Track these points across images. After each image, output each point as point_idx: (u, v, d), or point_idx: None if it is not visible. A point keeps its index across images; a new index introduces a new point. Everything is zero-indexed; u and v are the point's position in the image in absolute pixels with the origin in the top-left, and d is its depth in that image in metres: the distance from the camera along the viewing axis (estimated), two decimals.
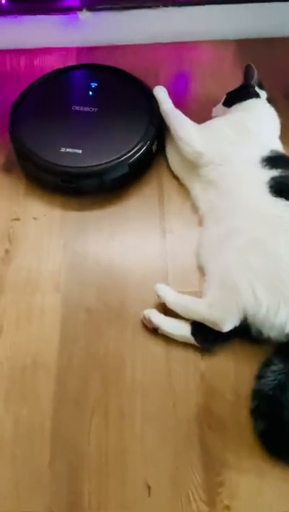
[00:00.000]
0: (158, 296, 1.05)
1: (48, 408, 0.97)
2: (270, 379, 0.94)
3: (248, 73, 1.22)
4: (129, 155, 1.19)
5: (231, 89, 1.37)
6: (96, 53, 1.47)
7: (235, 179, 1.09)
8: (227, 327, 0.98)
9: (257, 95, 1.21)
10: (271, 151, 1.11)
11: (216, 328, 0.98)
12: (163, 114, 1.25)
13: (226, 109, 1.24)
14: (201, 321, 1.00)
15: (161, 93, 1.28)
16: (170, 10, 1.41)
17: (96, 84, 1.31)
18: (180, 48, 1.47)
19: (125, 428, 0.95)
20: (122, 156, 1.18)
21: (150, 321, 1.03)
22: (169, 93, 1.37)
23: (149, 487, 0.89)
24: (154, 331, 1.04)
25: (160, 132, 1.26)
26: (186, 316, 1.02)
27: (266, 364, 0.98)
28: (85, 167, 1.17)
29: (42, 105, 1.28)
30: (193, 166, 1.18)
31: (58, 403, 0.97)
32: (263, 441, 0.92)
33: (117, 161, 1.18)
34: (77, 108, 1.26)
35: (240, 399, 0.97)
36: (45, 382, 0.99)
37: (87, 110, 1.25)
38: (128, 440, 0.94)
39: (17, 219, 1.20)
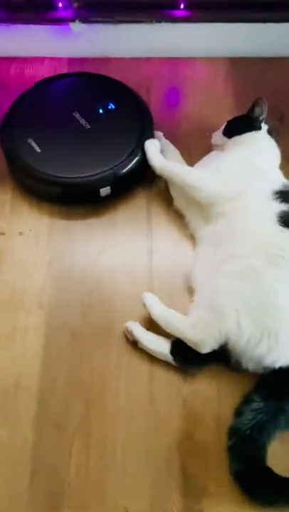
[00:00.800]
0: (144, 305, 1.04)
1: (29, 431, 0.96)
2: (249, 417, 0.94)
3: (257, 107, 1.18)
4: (118, 166, 1.18)
5: (223, 107, 1.39)
6: (88, 65, 1.45)
7: (245, 210, 1.08)
8: (206, 349, 0.98)
9: (259, 128, 1.20)
10: (283, 185, 1.10)
11: (195, 349, 0.98)
12: (157, 171, 1.20)
13: (225, 138, 1.22)
14: (182, 338, 1.00)
15: (152, 148, 1.21)
16: (164, 25, 1.40)
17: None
18: (173, 64, 1.47)
19: (106, 454, 0.95)
20: (110, 168, 1.18)
21: (131, 334, 1.03)
22: (160, 108, 1.37)
23: None
24: (134, 343, 1.04)
25: None
26: (168, 331, 1.02)
27: (246, 400, 0.97)
28: (74, 177, 1.17)
29: (34, 114, 1.27)
30: (201, 204, 1.15)
31: (39, 426, 0.96)
32: (237, 482, 0.91)
33: (106, 172, 1.17)
34: (69, 117, 1.25)
35: (222, 425, 0.97)
36: (26, 404, 0.98)
37: (80, 121, 1.25)
38: (109, 466, 0.94)
39: (2, 233, 1.18)
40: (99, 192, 1.19)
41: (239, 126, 1.21)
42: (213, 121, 1.33)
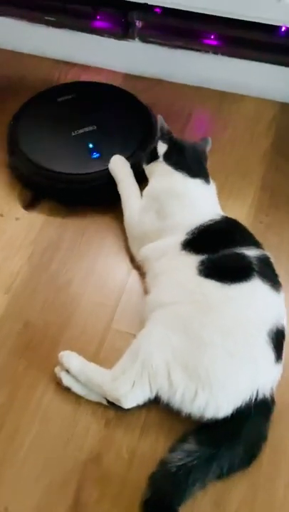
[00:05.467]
0: (61, 363, 0.97)
1: None
2: (179, 456, 0.87)
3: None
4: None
5: (257, 150, 1.35)
6: (140, 83, 1.48)
7: (166, 264, 1.02)
8: (129, 404, 0.92)
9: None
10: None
11: (117, 404, 0.92)
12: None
13: None
14: (102, 395, 0.94)
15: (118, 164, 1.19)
16: (219, 58, 1.40)
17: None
18: (221, 97, 1.45)
19: (11, 445, 0.93)
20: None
21: (60, 379, 0.97)
22: (194, 137, 1.36)
23: None
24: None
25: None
26: (89, 389, 0.95)
27: (182, 439, 0.91)
28: (74, 174, 1.20)
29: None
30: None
31: None
32: (142, 509, 0.85)
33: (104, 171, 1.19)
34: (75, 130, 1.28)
35: (136, 460, 0.92)
36: None
37: (86, 127, 1.28)
38: (8, 460, 0.91)
39: (0, 215, 1.23)
40: (99, 190, 1.20)
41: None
42: (241, 162, 1.31)
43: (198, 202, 1.07)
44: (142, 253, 1.08)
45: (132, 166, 1.19)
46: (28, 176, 1.24)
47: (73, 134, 1.27)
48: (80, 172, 1.20)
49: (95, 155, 1.23)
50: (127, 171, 1.18)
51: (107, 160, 1.20)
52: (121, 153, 1.21)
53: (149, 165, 1.13)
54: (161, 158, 1.10)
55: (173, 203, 1.06)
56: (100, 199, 1.23)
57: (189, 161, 1.10)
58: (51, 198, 1.24)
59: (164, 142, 1.11)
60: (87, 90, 1.38)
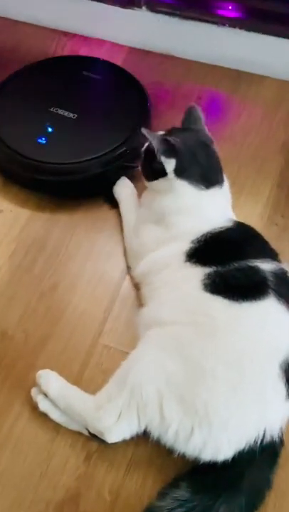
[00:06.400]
0: (38, 385, 0.85)
1: None
2: (168, 507, 0.74)
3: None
4: (105, 155, 1.05)
5: (274, 141, 1.19)
6: (148, 58, 1.32)
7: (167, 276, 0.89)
8: (114, 439, 0.79)
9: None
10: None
11: (100, 437, 0.80)
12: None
13: None
14: (83, 425, 0.81)
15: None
16: (238, 32, 1.23)
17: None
18: (237, 77, 1.29)
19: None
20: (97, 156, 1.05)
21: (36, 403, 0.84)
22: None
23: None
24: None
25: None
26: (68, 416, 0.83)
27: (173, 484, 0.78)
28: (57, 163, 1.05)
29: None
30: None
31: None
32: None
33: (91, 161, 1.04)
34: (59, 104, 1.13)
35: (119, 504, 0.79)
36: None
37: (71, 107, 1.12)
38: None
39: None
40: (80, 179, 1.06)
41: None
42: (256, 154, 1.16)
43: (209, 208, 0.92)
44: (141, 268, 0.94)
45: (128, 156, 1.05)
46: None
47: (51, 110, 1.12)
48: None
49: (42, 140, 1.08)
50: (130, 192, 1.06)
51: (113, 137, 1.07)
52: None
53: (157, 181, 0.93)
54: (171, 175, 0.91)
55: (181, 218, 0.91)
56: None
57: (204, 165, 0.92)
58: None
59: (169, 157, 0.90)
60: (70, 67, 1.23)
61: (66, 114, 1.11)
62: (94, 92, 1.17)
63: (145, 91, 1.17)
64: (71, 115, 1.11)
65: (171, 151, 0.89)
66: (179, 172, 0.90)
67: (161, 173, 0.90)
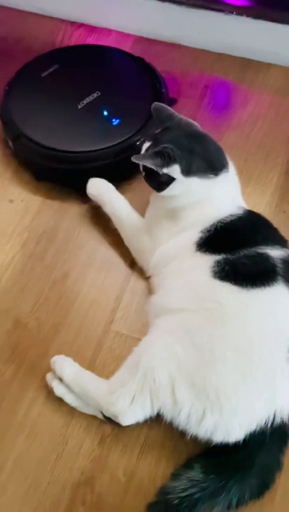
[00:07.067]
0: (53, 370, 0.87)
1: None
2: (182, 487, 0.77)
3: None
4: (115, 146, 1.05)
5: (282, 130, 1.19)
6: (154, 47, 1.32)
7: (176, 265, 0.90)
8: (127, 421, 0.81)
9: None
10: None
11: (114, 420, 0.81)
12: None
13: None
14: (98, 409, 0.83)
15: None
16: (245, 20, 1.23)
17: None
18: (244, 66, 1.28)
19: None
20: (107, 147, 1.05)
21: (52, 388, 0.86)
22: (211, 110, 1.21)
23: None
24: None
25: None
26: (84, 401, 0.85)
27: (186, 465, 0.80)
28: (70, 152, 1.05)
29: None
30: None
31: None
32: None
33: (101, 151, 1.05)
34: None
35: (133, 485, 0.81)
36: None
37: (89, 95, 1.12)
38: None
39: None
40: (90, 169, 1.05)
41: None
42: (264, 143, 1.16)
43: (220, 196, 0.92)
44: (154, 261, 0.94)
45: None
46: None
47: (80, 107, 1.11)
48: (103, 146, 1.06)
49: (115, 121, 1.08)
50: (110, 189, 1.03)
51: (130, 125, 1.07)
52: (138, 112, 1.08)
53: (169, 188, 0.90)
54: (180, 177, 0.89)
55: (193, 210, 0.91)
56: (127, 172, 1.08)
57: (204, 154, 0.90)
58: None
59: (170, 165, 0.87)
60: (79, 56, 1.23)
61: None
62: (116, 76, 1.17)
63: (163, 80, 1.16)
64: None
65: (168, 159, 0.87)
66: (186, 172, 0.89)
67: (170, 179, 0.90)
